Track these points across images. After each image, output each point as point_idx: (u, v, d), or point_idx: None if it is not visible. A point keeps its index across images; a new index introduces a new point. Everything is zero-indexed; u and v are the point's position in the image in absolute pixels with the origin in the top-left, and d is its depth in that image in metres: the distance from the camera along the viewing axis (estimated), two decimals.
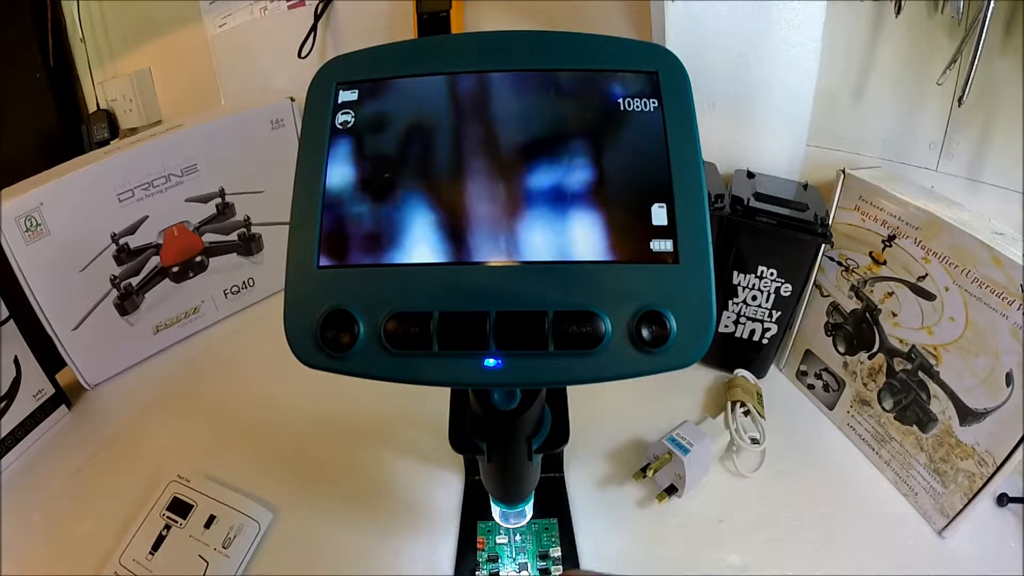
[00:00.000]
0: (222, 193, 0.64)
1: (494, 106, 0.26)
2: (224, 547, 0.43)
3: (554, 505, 0.46)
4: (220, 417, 0.56)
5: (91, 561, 0.43)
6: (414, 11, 0.66)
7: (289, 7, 0.73)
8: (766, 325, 0.56)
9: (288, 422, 0.55)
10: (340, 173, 0.25)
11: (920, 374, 0.46)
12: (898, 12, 0.47)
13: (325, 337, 0.23)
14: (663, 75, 0.25)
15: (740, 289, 0.55)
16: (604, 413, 0.54)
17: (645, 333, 0.22)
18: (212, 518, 0.45)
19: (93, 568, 0.43)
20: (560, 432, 0.33)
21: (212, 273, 0.66)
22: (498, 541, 0.44)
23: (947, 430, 0.44)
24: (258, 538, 0.45)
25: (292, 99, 0.68)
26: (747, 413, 0.53)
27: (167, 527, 0.45)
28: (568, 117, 0.25)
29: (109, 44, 0.86)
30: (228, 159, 0.64)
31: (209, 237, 0.65)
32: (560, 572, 0.42)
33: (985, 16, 0.41)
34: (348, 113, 0.26)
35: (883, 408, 0.49)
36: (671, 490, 0.46)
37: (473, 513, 0.46)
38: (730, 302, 0.56)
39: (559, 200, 0.24)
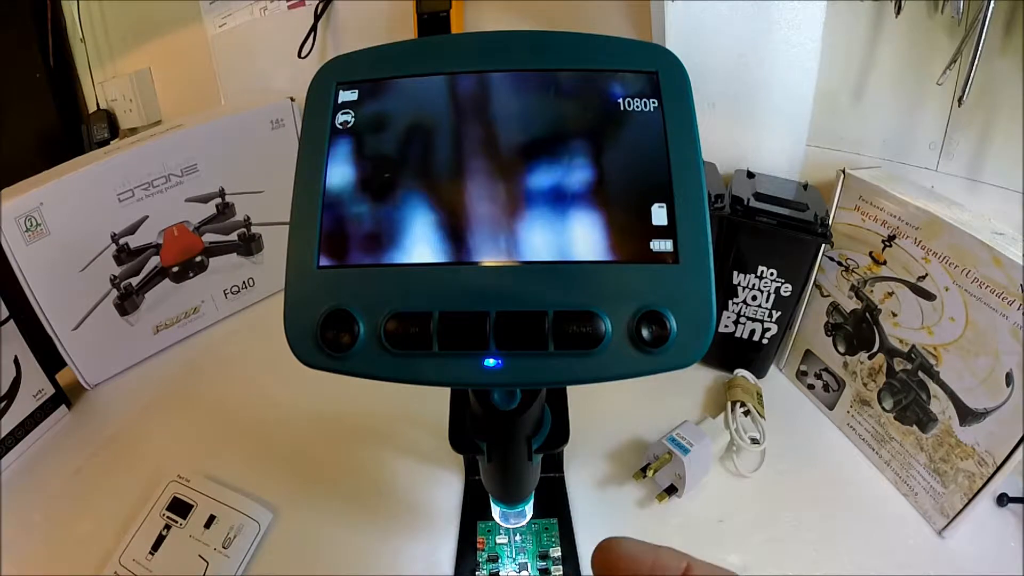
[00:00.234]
0: (222, 193, 0.64)
1: (494, 106, 0.26)
2: (224, 547, 0.43)
3: (554, 505, 0.46)
4: (220, 417, 0.56)
5: (91, 561, 0.43)
6: (414, 11, 0.66)
7: (289, 7, 0.73)
8: (766, 325, 0.56)
9: (288, 422, 0.55)
10: (340, 173, 0.25)
11: (920, 374, 0.46)
12: (898, 12, 0.47)
13: (325, 337, 0.23)
14: (663, 75, 0.25)
15: (740, 289, 0.55)
16: (604, 413, 0.54)
17: (645, 333, 0.22)
18: (212, 518, 0.45)
19: (93, 568, 0.43)
20: (560, 432, 0.33)
21: (212, 273, 0.66)
22: (498, 541, 0.44)
23: (947, 430, 0.44)
24: (258, 538, 0.45)
25: (292, 99, 0.68)
26: (747, 413, 0.53)
27: (167, 527, 0.45)
28: (568, 117, 0.25)
29: (109, 44, 0.86)
30: (228, 159, 0.64)
31: (209, 237, 0.65)
32: (560, 572, 0.42)
33: (985, 16, 0.41)
34: (348, 113, 0.26)
35: (883, 408, 0.49)
36: (671, 490, 0.46)
37: (473, 513, 0.46)
38: (730, 302, 0.56)
39: (559, 200, 0.24)
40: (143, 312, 0.61)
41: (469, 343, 0.23)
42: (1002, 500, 0.46)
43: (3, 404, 0.50)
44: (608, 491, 0.49)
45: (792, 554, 0.44)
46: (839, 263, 0.52)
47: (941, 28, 0.46)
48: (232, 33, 0.78)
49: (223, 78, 0.81)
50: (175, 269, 0.63)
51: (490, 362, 0.23)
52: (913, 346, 0.46)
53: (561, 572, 0.43)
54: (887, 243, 0.48)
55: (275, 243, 0.71)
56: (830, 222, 0.52)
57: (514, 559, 0.43)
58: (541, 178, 0.24)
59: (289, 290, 0.24)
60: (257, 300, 0.72)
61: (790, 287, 0.53)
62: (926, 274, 0.45)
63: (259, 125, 0.66)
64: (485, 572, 0.43)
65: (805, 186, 0.56)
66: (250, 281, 0.70)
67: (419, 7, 0.65)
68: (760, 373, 0.59)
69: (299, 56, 0.71)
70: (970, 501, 0.43)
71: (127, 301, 0.59)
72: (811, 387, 0.57)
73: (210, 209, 0.64)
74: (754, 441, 0.51)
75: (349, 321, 0.23)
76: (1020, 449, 0.39)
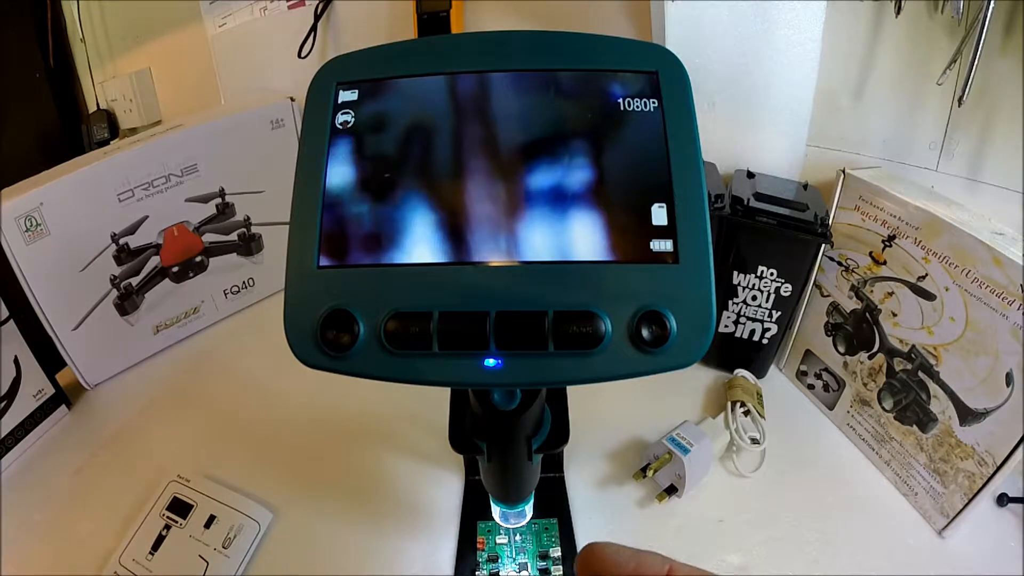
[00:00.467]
0: (222, 193, 0.64)
1: (494, 106, 0.26)
2: (224, 547, 0.43)
3: (554, 505, 0.46)
4: (220, 417, 0.56)
5: (91, 561, 0.43)
6: (414, 11, 0.66)
7: (289, 7, 0.73)
8: (766, 325, 0.56)
9: (288, 422, 0.55)
10: (340, 173, 0.25)
11: (920, 374, 0.46)
12: (898, 12, 0.47)
13: (325, 337, 0.23)
14: (663, 75, 0.25)
15: (740, 289, 0.55)
16: (604, 413, 0.54)
17: (645, 333, 0.22)
18: (212, 518, 0.45)
19: (93, 568, 0.43)
20: (560, 432, 0.33)
21: (212, 273, 0.66)
22: (498, 541, 0.44)
23: (947, 430, 0.44)
24: (258, 538, 0.45)
25: (292, 99, 0.68)
26: (747, 413, 0.53)
27: (167, 527, 0.45)
28: (568, 117, 0.25)
29: (109, 44, 0.86)
30: (228, 159, 0.64)
31: (209, 237, 0.65)
32: (560, 572, 0.42)
33: (985, 16, 0.41)
34: (348, 113, 0.26)
35: (883, 408, 0.49)
36: (671, 490, 0.46)
37: (473, 513, 0.46)
38: (730, 302, 0.56)
39: (559, 200, 0.24)
40: (143, 312, 0.61)
41: (469, 343, 0.23)
42: (1002, 500, 0.46)
43: (3, 404, 0.50)
44: (608, 491, 0.49)
45: (792, 554, 0.44)
46: (839, 263, 0.52)
47: (941, 28, 0.46)
48: (232, 33, 0.78)
49: (223, 78, 0.81)
50: (175, 269, 0.63)
51: (490, 362, 0.23)
52: (913, 346, 0.46)
53: (561, 572, 0.43)
54: (887, 243, 0.48)
55: (275, 243, 0.71)
56: (830, 222, 0.52)
57: (514, 559, 0.43)
58: (541, 178, 0.24)
59: (289, 290, 0.24)
60: (257, 300, 0.72)
61: (790, 287, 0.53)
62: (926, 274, 0.45)
63: (259, 125, 0.66)
64: (485, 572, 0.43)
65: (805, 186, 0.56)
66: (250, 281, 0.70)
67: (419, 7, 0.65)
68: (760, 373, 0.59)
69: (299, 56, 0.71)
70: (970, 501, 0.43)
71: (127, 301, 0.59)
72: (811, 387, 0.57)
73: (210, 209, 0.64)
74: (754, 441, 0.51)
75: (349, 321, 0.23)
76: (1020, 449, 0.39)
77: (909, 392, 0.47)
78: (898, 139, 0.52)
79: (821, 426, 0.55)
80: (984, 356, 0.41)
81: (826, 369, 0.55)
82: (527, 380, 0.23)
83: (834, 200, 0.52)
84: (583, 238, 0.24)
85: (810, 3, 0.51)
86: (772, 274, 0.53)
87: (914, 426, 0.47)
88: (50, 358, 0.55)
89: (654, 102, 0.25)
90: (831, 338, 0.54)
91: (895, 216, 0.47)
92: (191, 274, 0.64)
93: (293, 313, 0.24)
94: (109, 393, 0.60)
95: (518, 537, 0.44)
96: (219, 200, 0.64)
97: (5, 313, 0.50)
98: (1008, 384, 0.40)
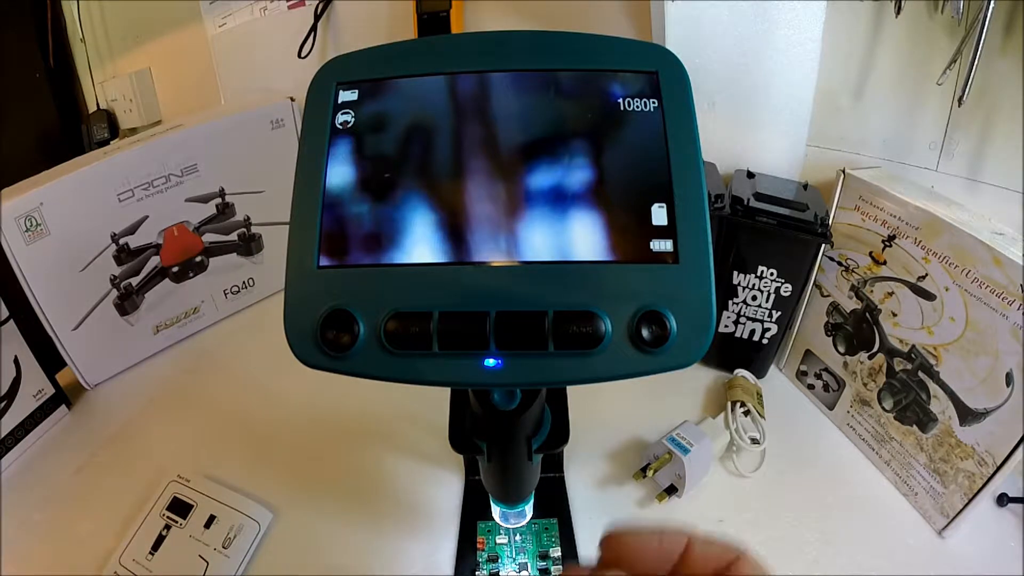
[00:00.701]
0: (222, 193, 0.64)
1: (494, 106, 0.26)
2: (224, 547, 0.43)
3: (554, 505, 0.46)
4: (220, 417, 0.56)
5: (91, 561, 0.43)
6: (414, 11, 0.66)
7: (289, 7, 0.73)
8: (766, 325, 0.56)
9: (288, 422, 0.55)
10: (340, 173, 0.25)
11: (920, 374, 0.46)
12: (898, 12, 0.47)
13: (325, 337, 0.23)
14: (663, 75, 0.25)
15: (740, 289, 0.55)
16: (604, 413, 0.54)
17: (645, 333, 0.22)
18: (212, 518, 0.45)
19: (93, 568, 0.43)
20: (560, 432, 0.33)
21: (212, 273, 0.66)
22: (498, 541, 0.44)
23: (947, 430, 0.44)
24: (258, 538, 0.45)
25: (292, 99, 0.68)
26: (747, 413, 0.53)
27: (167, 527, 0.45)
28: (568, 117, 0.25)
29: (109, 44, 0.86)
30: (228, 159, 0.64)
31: (209, 237, 0.65)
32: (560, 572, 0.42)
33: (985, 16, 0.41)
34: (348, 113, 0.26)
35: (883, 408, 0.49)
36: (671, 490, 0.46)
37: (473, 513, 0.46)
38: (730, 302, 0.56)
39: (559, 200, 0.24)
40: (143, 312, 0.61)
41: (469, 343, 0.23)
42: (1002, 500, 0.46)
43: (3, 404, 0.50)
44: (608, 491, 0.49)
45: (792, 554, 0.44)
46: (839, 263, 0.52)
47: (941, 28, 0.46)
48: (232, 33, 0.78)
49: (223, 78, 0.81)
50: (175, 269, 0.63)
51: (490, 362, 0.23)
52: (913, 346, 0.46)
53: (561, 572, 0.43)
54: (887, 243, 0.48)
55: (275, 243, 0.71)
56: (830, 222, 0.52)
57: (514, 559, 0.43)
58: (541, 178, 0.24)
59: (289, 290, 0.24)
60: (257, 300, 0.72)
61: (790, 287, 0.53)
62: (926, 274, 0.45)
63: (259, 125, 0.66)
64: (485, 572, 0.43)
65: (805, 186, 0.56)
66: (250, 281, 0.70)
67: (419, 7, 0.65)
68: (760, 373, 0.59)
69: (299, 56, 0.71)
70: (970, 501, 0.43)
71: (127, 301, 0.59)
72: (811, 387, 0.57)
73: (210, 209, 0.64)
74: (754, 441, 0.51)
75: (349, 321, 0.23)
76: (1020, 449, 0.39)
77: (909, 392, 0.47)
78: (898, 139, 0.52)
79: (821, 426, 0.55)
80: (984, 356, 0.41)
81: (826, 369, 0.55)
82: (527, 380, 0.23)
83: (834, 200, 0.52)
84: (583, 238, 0.23)
85: (810, 3, 0.51)
86: (772, 274, 0.53)
87: (914, 426, 0.47)
88: (50, 358, 0.55)
89: (654, 102, 0.25)
90: (831, 338, 0.54)
91: (895, 216, 0.47)
92: (191, 274, 0.64)
93: (293, 313, 0.24)
94: (109, 393, 0.60)
95: (518, 537, 0.44)
96: (219, 200, 0.64)
97: (5, 313, 0.50)
98: (1008, 384, 0.40)
